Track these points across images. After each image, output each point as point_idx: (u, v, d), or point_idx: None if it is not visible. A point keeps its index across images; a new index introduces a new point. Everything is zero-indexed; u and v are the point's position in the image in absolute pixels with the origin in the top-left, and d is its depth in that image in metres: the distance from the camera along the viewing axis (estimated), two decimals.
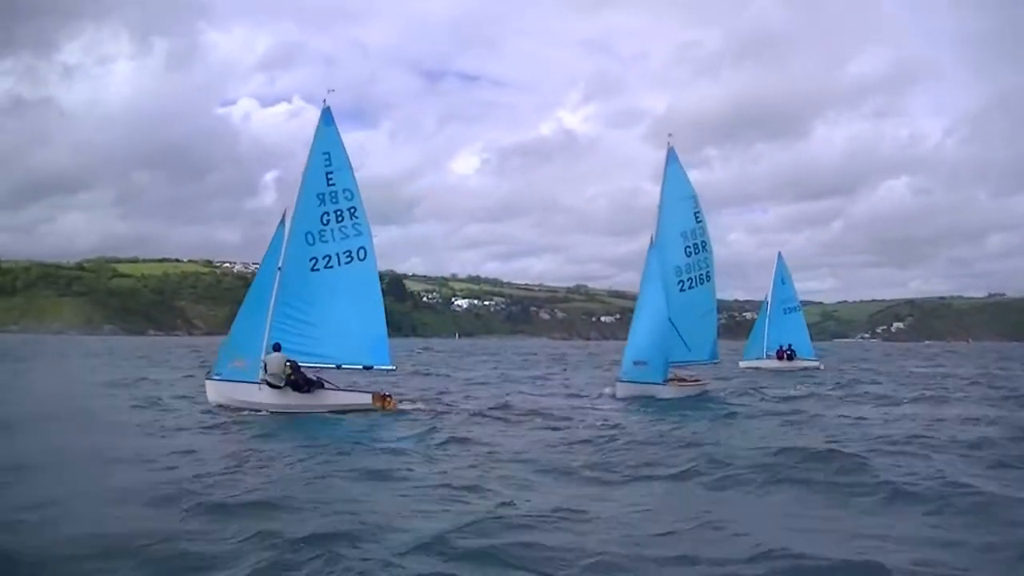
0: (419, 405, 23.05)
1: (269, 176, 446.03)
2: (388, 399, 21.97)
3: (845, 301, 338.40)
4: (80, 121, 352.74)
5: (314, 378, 21.55)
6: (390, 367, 22.26)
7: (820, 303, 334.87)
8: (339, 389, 21.95)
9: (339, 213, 21.90)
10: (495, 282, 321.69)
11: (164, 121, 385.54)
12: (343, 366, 21.92)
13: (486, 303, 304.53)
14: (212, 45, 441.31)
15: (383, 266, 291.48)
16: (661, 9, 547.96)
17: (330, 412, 21.12)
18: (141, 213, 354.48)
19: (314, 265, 21.81)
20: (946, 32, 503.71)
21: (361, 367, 22.03)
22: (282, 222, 22.08)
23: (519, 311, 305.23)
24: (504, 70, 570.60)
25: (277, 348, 21.31)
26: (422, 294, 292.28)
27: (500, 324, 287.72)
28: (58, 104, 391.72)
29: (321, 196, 21.87)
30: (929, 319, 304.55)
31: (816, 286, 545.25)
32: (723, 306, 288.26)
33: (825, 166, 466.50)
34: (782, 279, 47.02)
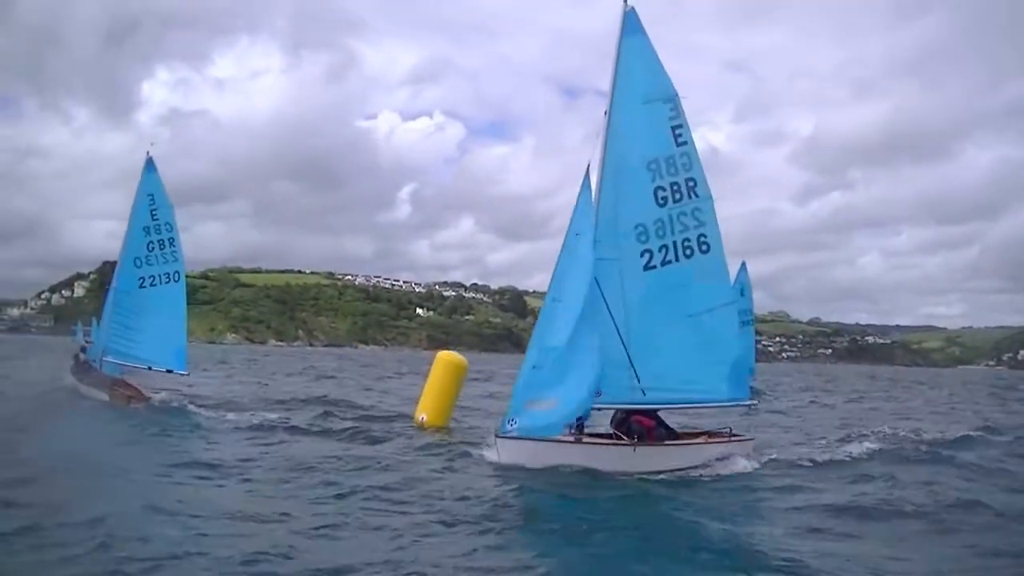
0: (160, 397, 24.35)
1: (405, 190, 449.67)
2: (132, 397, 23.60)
3: (970, 327, 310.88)
4: (229, 133, 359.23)
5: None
6: (184, 372, 24.68)
7: (944, 328, 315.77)
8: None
9: (161, 242, 24.31)
10: None
11: (308, 133, 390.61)
12: (153, 368, 24.39)
13: None
14: (361, 59, 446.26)
15: (503, 282, 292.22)
16: (812, 27, 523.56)
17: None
18: (275, 224, 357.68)
19: (142, 284, 24.20)
20: None
21: (164, 370, 24.40)
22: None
23: None
24: None
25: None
26: None
27: None
28: (213, 116, 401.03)
29: (147, 228, 24.23)
30: None
31: (944, 311, 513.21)
32: (845, 329, 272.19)
33: (970, 189, 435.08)
34: (742, 290, 40.17)
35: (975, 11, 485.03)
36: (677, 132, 14.68)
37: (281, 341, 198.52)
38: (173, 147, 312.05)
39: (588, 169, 14.60)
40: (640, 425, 15.05)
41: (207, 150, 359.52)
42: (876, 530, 10.95)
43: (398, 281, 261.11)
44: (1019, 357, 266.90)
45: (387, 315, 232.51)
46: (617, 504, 12.28)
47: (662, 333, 14.70)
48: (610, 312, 14.55)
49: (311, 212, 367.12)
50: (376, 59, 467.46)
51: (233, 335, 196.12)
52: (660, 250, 14.68)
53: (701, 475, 14.41)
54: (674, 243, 14.71)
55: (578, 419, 14.38)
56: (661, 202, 14.63)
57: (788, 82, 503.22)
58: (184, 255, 25.00)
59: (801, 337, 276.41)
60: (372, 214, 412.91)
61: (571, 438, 14.39)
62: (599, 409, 15.09)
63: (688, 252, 14.75)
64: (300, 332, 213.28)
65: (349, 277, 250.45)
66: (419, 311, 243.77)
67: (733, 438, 15.95)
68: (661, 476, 14.10)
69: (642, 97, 14.73)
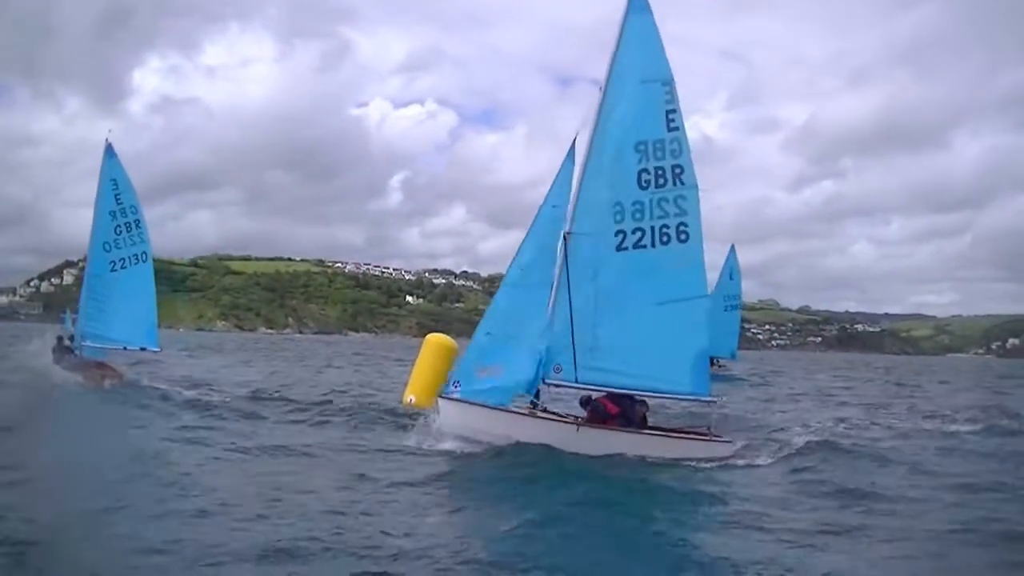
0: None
1: (396, 178, 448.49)
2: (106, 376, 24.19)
3: (959, 315, 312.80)
4: (221, 121, 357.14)
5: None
6: (156, 349, 25.75)
7: (933, 317, 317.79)
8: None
9: (128, 225, 25.06)
10: None
11: (300, 121, 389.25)
12: (128, 348, 25.34)
13: None
14: (354, 48, 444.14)
15: (493, 270, 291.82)
16: (808, 16, 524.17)
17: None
18: (266, 212, 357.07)
19: (112, 267, 24.97)
20: None
21: (139, 348, 25.49)
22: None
23: None
24: None
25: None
26: None
27: None
28: (204, 104, 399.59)
29: (113, 213, 24.91)
30: None
31: (934, 300, 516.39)
32: (835, 317, 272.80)
33: (961, 179, 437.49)
34: (731, 274, 43.48)
35: (969, 1, 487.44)
36: (670, 117, 14.19)
37: (271, 329, 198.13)
38: (165, 135, 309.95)
39: (574, 142, 14.34)
40: (605, 409, 14.63)
41: (198, 138, 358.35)
42: (890, 512, 10.71)
43: (388, 268, 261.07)
44: (1008, 346, 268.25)
45: (377, 302, 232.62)
46: (621, 487, 12.41)
47: (625, 317, 14.25)
48: (569, 288, 14.29)
49: (302, 200, 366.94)
50: (369, 47, 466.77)
51: (222, 323, 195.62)
52: (634, 232, 14.21)
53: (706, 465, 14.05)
54: (651, 228, 14.21)
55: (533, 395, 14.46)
56: (644, 185, 14.18)
57: (782, 71, 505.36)
58: (151, 238, 25.62)
59: (791, 325, 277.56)
60: (363, 202, 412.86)
61: (519, 410, 14.36)
62: (557, 386, 14.94)
63: (664, 239, 14.24)
64: (290, 319, 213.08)
65: (339, 264, 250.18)
66: (409, 298, 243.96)
67: (710, 438, 15.01)
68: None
69: (640, 76, 14.25)
